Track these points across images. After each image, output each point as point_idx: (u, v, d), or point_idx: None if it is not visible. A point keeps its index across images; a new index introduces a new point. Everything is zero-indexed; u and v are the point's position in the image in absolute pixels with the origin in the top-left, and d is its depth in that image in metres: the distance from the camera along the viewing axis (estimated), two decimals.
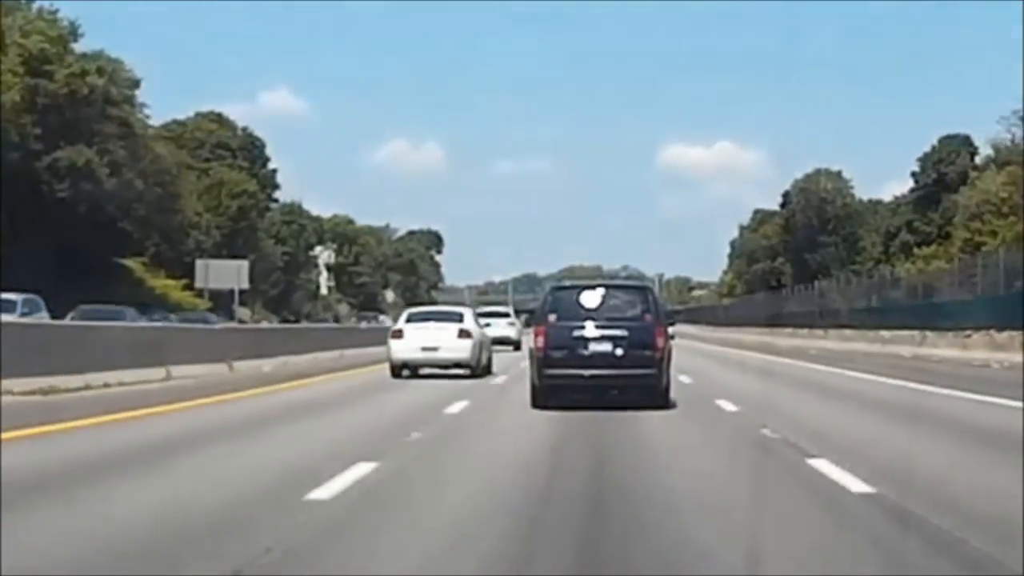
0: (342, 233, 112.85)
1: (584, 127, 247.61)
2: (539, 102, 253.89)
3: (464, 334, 24.85)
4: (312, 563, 5.80)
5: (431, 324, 25.36)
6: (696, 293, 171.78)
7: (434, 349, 24.60)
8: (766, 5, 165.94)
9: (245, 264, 65.50)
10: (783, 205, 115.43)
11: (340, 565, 5.72)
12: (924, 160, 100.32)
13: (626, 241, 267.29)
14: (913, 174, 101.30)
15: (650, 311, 15.92)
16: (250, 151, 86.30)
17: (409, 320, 25.93)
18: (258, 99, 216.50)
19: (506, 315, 45.38)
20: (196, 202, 69.71)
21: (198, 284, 63.33)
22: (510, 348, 40.09)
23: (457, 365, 24.57)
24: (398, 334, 24.98)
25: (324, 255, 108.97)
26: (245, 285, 65.12)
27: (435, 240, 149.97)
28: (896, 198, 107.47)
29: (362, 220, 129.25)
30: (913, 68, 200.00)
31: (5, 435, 11.04)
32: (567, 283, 20.44)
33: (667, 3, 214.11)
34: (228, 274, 64.83)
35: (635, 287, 18.48)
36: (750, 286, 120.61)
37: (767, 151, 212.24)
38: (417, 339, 24.66)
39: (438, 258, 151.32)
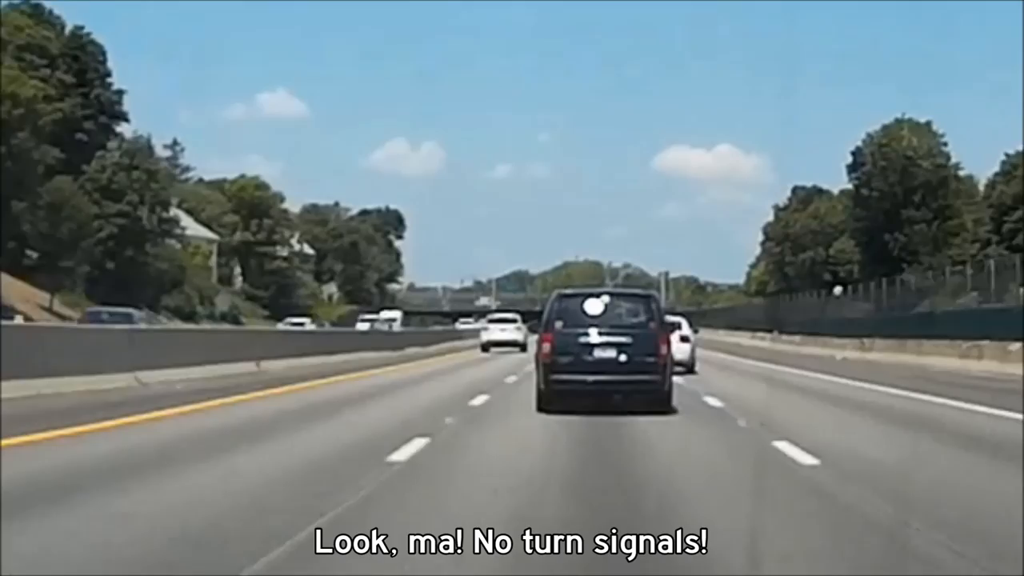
0: (248, 202, 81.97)
1: (584, 127, 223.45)
2: (538, 103, 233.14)
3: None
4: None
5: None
6: (711, 293, 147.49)
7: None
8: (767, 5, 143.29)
9: None
10: (852, 168, 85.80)
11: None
12: None
13: (627, 240, 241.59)
14: None
15: (654, 319, 16.68)
16: (78, 60, 57.07)
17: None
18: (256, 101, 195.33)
19: (514, 320, 56.54)
20: None
21: None
22: (517, 349, 51.06)
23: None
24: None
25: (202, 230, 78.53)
26: None
27: (394, 222, 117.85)
28: (1009, 157, 78.91)
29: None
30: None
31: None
32: (573, 291, 19.76)
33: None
34: None
35: (639, 295, 19.09)
36: (792, 282, 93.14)
37: (769, 156, 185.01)
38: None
39: (398, 244, 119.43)
